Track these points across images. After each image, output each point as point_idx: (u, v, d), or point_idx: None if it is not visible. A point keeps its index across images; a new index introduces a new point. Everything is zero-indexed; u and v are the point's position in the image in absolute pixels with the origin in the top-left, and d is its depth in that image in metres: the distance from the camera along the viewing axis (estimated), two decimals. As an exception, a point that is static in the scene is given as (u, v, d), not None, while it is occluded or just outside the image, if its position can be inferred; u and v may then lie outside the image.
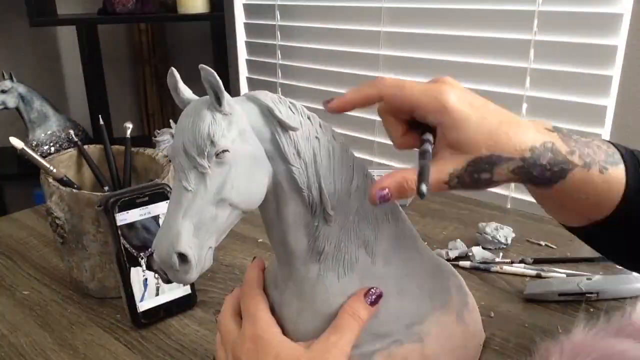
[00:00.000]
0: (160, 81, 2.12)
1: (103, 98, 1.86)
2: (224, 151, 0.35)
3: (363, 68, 1.37)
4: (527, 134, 0.38)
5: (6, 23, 1.83)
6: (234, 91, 1.75)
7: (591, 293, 0.58)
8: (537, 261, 0.68)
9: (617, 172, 0.41)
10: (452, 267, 0.50)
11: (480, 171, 0.37)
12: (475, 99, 0.38)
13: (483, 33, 1.14)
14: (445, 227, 0.79)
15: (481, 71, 1.15)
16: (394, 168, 0.95)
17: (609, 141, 0.43)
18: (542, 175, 0.39)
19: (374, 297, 0.40)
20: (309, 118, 0.41)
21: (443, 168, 0.37)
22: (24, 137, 1.62)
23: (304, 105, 0.42)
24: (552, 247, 0.72)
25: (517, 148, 0.37)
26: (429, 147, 0.38)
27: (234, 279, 0.66)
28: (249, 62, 1.72)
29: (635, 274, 0.65)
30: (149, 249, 0.57)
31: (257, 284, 0.45)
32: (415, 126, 0.41)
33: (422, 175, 0.34)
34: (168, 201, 0.58)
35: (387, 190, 0.36)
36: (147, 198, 0.57)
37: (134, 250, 0.56)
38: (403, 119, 0.41)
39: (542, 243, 0.73)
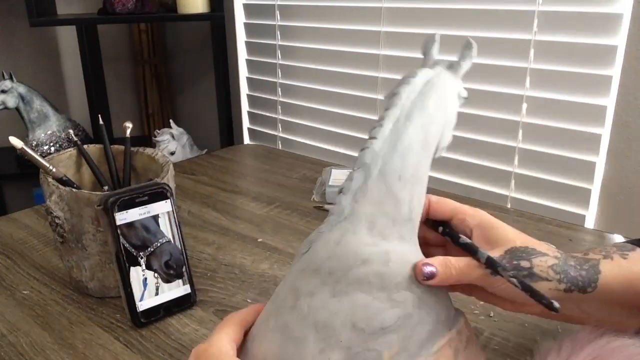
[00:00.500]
0: (160, 81, 2.12)
1: (103, 98, 1.86)
2: None
3: (363, 68, 1.37)
4: (547, 244, 0.41)
5: (6, 23, 1.83)
6: (233, 91, 1.75)
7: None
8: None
9: (638, 255, 0.41)
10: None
11: (519, 258, 0.38)
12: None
13: (483, 33, 1.14)
14: (445, 227, 0.79)
15: (481, 71, 1.15)
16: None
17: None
18: (580, 275, 0.39)
19: None
20: None
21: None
22: (24, 137, 1.62)
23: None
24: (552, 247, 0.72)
25: (548, 248, 0.40)
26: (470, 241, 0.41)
27: (234, 279, 0.66)
28: (249, 62, 1.72)
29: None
30: (149, 249, 0.57)
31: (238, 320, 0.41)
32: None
33: (539, 297, 0.37)
34: (167, 201, 0.59)
35: (434, 268, 0.37)
36: (146, 198, 0.57)
37: (133, 250, 0.56)
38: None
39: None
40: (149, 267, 0.57)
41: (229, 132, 1.74)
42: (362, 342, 0.34)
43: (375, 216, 0.37)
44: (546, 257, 0.39)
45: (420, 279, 0.37)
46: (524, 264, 0.38)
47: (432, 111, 0.39)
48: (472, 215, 0.42)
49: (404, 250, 0.37)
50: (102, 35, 1.85)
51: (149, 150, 0.69)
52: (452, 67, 0.43)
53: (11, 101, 1.59)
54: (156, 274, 0.57)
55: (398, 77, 1.40)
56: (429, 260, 0.37)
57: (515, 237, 0.40)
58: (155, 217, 0.58)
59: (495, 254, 0.39)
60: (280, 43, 1.58)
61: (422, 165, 0.39)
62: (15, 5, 1.75)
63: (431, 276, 0.37)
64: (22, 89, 1.61)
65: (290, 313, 0.36)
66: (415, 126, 0.39)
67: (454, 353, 0.37)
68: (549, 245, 0.41)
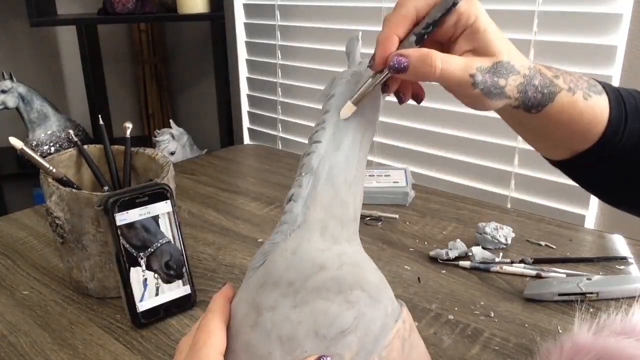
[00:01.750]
0: (160, 81, 2.12)
1: (103, 98, 1.86)
2: None
3: (363, 68, 1.37)
4: (522, 56, 0.40)
5: (6, 23, 1.83)
6: (233, 91, 1.75)
7: (591, 293, 0.58)
8: (537, 261, 0.68)
9: (600, 100, 0.42)
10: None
11: (500, 75, 0.39)
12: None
13: (483, 33, 1.14)
14: (444, 227, 0.79)
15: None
16: (394, 168, 0.95)
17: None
18: (534, 97, 0.40)
19: None
20: None
21: (471, 63, 0.38)
22: (24, 137, 1.62)
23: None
24: (552, 247, 0.72)
25: (522, 64, 0.40)
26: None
27: (234, 279, 0.66)
28: (249, 62, 1.72)
29: (634, 274, 0.66)
30: (149, 249, 0.57)
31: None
32: None
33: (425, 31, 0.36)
34: (167, 201, 0.58)
35: (406, 59, 0.36)
36: (146, 198, 0.57)
37: (133, 250, 0.56)
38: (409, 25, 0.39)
39: (542, 243, 0.73)
40: (149, 267, 0.56)
41: (229, 132, 1.74)
42: (324, 348, 0.34)
43: (326, 221, 0.37)
44: (517, 76, 0.39)
45: (387, 67, 0.37)
46: (501, 82, 0.39)
47: (367, 111, 0.40)
48: (467, 17, 0.38)
49: (353, 251, 0.38)
50: (102, 35, 1.85)
51: (149, 151, 0.69)
52: None
53: (11, 101, 1.59)
54: (156, 275, 0.57)
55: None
56: (404, 51, 0.37)
57: (504, 48, 0.39)
58: (156, 218, 0.58)
59: (483, 62, 0.38)
60: (280, 43, 1.58)
61: (362, 165, 0.40)
62: (15, 5, 1.75)
63: (401, 68, 0.36)
64: (22, 89, 1.61)
65: (253, 331, 0.35)
66: (354, 128, 0.39)
67: (401, 342, 0.38)
68: (525, 59, 0.41)
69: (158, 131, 1.71)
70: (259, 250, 0.38)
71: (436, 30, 0.38)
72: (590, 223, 1.08)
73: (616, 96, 0.44)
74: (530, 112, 0.41)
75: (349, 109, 0.38)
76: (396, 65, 0.36)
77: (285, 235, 0.37)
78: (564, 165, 0.47)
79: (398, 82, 0.41)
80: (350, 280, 0.36)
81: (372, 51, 0.39)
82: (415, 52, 0.37)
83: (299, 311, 0.35)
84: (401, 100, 0.43)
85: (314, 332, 0.35)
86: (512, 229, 0.73)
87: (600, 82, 0.44)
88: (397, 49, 0.38)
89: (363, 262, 0.39)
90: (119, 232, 0.55)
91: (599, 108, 0.42)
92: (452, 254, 0.69)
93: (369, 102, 0.40)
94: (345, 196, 0.38)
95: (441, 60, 0.37)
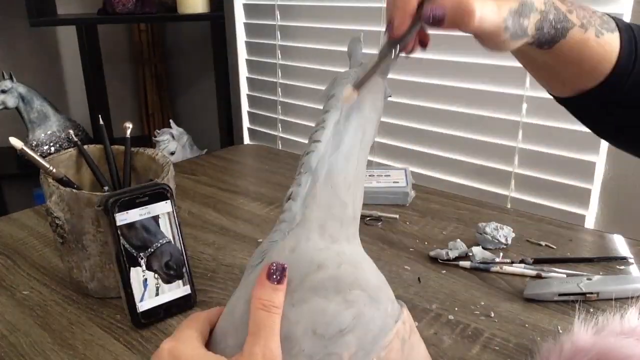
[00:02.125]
0: (160, 81, 2.12)
1: (103, 98, 1.86)
2: None
3: (363, 68, 1.36)
4: None
5: (6, 23, 1.83)
6: (233, 91, 1.75)
7: (591, 293, 0.58)
8: (537, 261, 0.68)
9: (612, 39, 0.41)
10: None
11: (524, 15, 0.37)
12: None
13: (483, 33, 1.14)
14: (445, 227, 0.79)
15: (481, 71, 1.15)
16: (394, 168, 0.95)
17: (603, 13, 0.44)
18: (549, 32, 0.39)
19: (278, 274, 0.34)
20: None
21: (503, 5, 0.36)
22: (24, 137, 1.62)
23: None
24: (552, 247, 0.72)
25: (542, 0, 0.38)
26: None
27: (234, 279, 0.66)
28: (249, 62, 1.72)
29: (634, 274, 0.66)
30: (149, 249, 0.57)
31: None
32: None
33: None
34: (167, 201, 0.58)
35: (442, 9, 0.35)
36: (147, 198, 0.57)
37: (133, 250, 0.56)
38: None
39: (542, 243, 0.73)
40: (149, 267, 0.56)
41: (229, 132, 1.74)
42: (322, 347, 0.34)
43: (325, 220, 0.37)
44: (535, 13, 0.38)
45: (424, 19, 0.35)
46: (525, 22, 0.38)
47: (367, 112, 0.40)
48: None
49: (352, 250, 0.38)
50: (102, 35, 1.85)
51: (149, 151, 0.69)
52: None
53: (11, 101, 1.59)
54: (156, 275, 0.57)
55: (398, 77, 1.39)
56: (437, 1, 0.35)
57: None
58: (156, 218, 0.58)
59: (512, 5, 0.37)
60: (280, 43, 1.58)
61: (362, 165, 0.40)
62: (15, 5, 1.75)
63: (438, 18, 0.35)
64: (22, 89, 1.60)
65: None
66: (354, 127, 0.39)
67: (401, 343, 0.38)
68: None
69: (158, 131, 1.71)
70: (257, 248, 0.39)
71: None
72: (590, 223, 1.08)
73: (629, 36, 0.42)
74: (542, 48, 0.40)
75: (349, 92, 0.37)
76: (433, 16, 0.34)
77: (284, 234, 0.37)
78: (569, 103, 0.46)
79: (412, 42, 0.39)
80: (349, 280, 0.36)
81: (373, 52, 0.38)
82: (449, 2, 0.35)
83: (296, 310, 0.35)
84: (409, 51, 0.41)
85: (312, 331, 0.34)
86: (512, 229, 0.73)
87: (614, 19, 0.43)
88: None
89: (362, 262, 0.38)
90: (119, 232, 0.55)
91: (609, 46, 0.41)
92: (452, 254, 0.69)
93: (369, 101, 0.40)
94: (345, 196, 0.38)
95: (479, 9, 0.35)
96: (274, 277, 0.34)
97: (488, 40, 0.38)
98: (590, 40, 0.40)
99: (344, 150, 0.38)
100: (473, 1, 0.35)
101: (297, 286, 0.35)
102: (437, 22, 0.35)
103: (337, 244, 0.37)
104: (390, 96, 0.45)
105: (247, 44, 1.71)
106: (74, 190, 0.57)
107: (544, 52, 0.41)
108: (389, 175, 0.92)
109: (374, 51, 0.40)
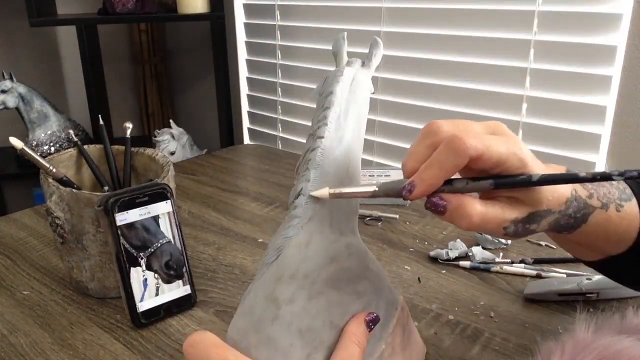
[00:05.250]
0: (160, 81, 2.12)
1: (103, 98, 1.86)
2: None
3: (363, 68, 1.37)
4: (563, 186, 0.37)
5: (6, 23, 1.83)
6: (233, 91, 1.75)
7: (591, 293, 0.58)
8: (537, 261, 0.68)
9: (632, 207, 0.41)
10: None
11: (532, 222, 0.37)
12: (529, 151, 0.37)
13: (483, 33, 1.14)
14: (445, 227, 0.79)
15: (481, 71, 1.15)
16: (393, 168, 0.95)
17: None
18: (567, 223, 0.39)
19: (372, 324, 0.39)
20: None
21: (508, 213, 0.36)
22: (24, 137, 1.62)
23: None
24: (552, 247, 0.72)
25: (559, 202, 0.37)
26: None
27: (234, 279, 0.66)
28: (249, 62, 1.72)
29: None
30: (149, 249, 0.57)
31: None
32: None
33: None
34: (168, 201, 0.58)
35: (444, 203, 0.34)
36: (147, 198, 0.57)
37: (133, 250, 0.56)
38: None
39: (542, 243, 0.73)
40: (149, 267, 0.56)
41: (229, 132, 1.74)
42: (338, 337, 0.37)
43: (333, 213, 0.38)
44: (552, 216, 0.37)
45: (427, 205, 0.35)
46: (532, 227, 0.37)
47: (361, 106, 0.41)
48: (515, 170, 0.35)
49: (357, 241, 0.40)
50: (102, 35, 1.85)
51: (149, 151, 0.69)
52: (364, 64, 0.46)
53: (11, 101, 1.59)
54: (156, 275, 0.57)
55: (398, 77, 1.40)
56: (445, 195, 0.35)
57: (545, 197, 0.36)
58: (156, 218, 0.58)
59: (519, 214, 0.36)
60: (280, 43, 1.58)
61: (360, 157, 0.42)
62: (15, 5, 1.75)
63: (439, 211, 0.35)
64: (22, 89, 1.60)
65: (273, 325, 0.36)
66: (353, 122, 0.40)
67: (402, 328, 0.41)
68: (559, 168, 0.39)
69: (158, 131, 1.71)
70: (269, 246, 0.39)
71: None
72: (590, 223, 1.08)
73: None
74: (561, 233, 0.40)
75: (325, 193, 0.37)
76: (434, 208, 0.35)
77: (298, 229, 0.38)
78: (595, 265, 0.47)
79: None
80: (358, 271, 0.39)
81: (361, 50, 0.39)
82: (454, 199, 0.34)
83: (314, 302, 0.37)
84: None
85: (329, 322, 0.37)
86: (512, 229, 0.73)
87: (628, 183, 0.43)
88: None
89: (365, 252, 0.41)
90: (119, 232, 0.55)
91: (631, 216, 0.41)
92: (452, 254, 0.69)
93: (363, 97, 0.42)
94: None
95: (477, 215, 0.34)
96: (370, 324, 0.38)
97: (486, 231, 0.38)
98: (612, 217, 0.40)
99: (346, 145, 0.39)
100: (472, 209, 0.34)
101: (315, 279, 0.37)
102: (438, 213, 0.35)
103: (345, 237, 0.39)
104: (373, 93, 0.47)
105: (247, 44, 1.71)
106: (74, 190, 0.57)
107: (566, 235, 0.41)
108: (389, 175, 0.92)
109: (364, 50, 0.41)
